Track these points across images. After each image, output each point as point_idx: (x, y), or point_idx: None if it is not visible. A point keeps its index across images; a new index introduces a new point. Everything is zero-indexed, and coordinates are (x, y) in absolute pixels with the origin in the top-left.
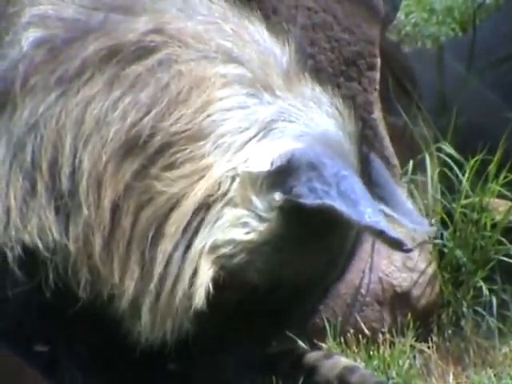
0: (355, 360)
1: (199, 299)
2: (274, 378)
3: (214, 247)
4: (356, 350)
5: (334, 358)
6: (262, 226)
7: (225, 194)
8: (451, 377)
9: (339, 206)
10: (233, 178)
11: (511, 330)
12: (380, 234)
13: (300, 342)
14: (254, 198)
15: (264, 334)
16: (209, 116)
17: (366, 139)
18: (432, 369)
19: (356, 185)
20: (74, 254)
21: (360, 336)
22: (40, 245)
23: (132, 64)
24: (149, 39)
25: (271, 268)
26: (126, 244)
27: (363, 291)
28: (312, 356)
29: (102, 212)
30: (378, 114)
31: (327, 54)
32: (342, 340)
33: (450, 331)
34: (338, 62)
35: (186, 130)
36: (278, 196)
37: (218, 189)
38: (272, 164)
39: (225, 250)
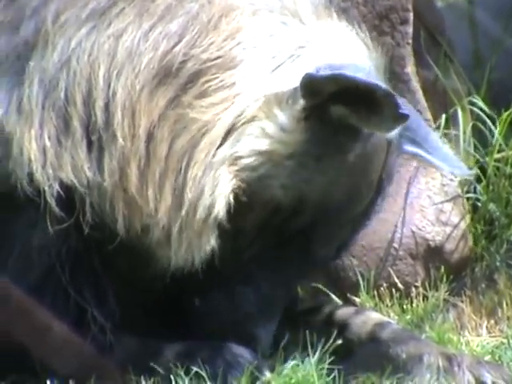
0: (388, 314)
1: (219, 208)
2: (307, 333)
3: (236, 158)
4: (389, 304)
5: (364, 314)
6: (286, 138)
7: (249, 113)
8: (485, 330)
9: (352, 73)
10: (259, 100)
11: None
12: (386, 96)
13: (333, 297)
14: (279, 112)
15: (289, 265)
16: (239, 43)
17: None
18: (465, 322)
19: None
20: (110, 190)
21: (393, 290)
22: (76, 182)
23: None
24: None
25: (295, 185)
26: (161, 173)
27: (396, 245)
28: (343, 312)
29: (137, 141)
30: (410, 68)
31: (360, 9)
32: (376, 294)
33: (483, 285)
34: (371, 16)
35: (217, 57)
36: (300, 105)
37: (245, 111)
38: (298, 81)
39: (247, 161)
